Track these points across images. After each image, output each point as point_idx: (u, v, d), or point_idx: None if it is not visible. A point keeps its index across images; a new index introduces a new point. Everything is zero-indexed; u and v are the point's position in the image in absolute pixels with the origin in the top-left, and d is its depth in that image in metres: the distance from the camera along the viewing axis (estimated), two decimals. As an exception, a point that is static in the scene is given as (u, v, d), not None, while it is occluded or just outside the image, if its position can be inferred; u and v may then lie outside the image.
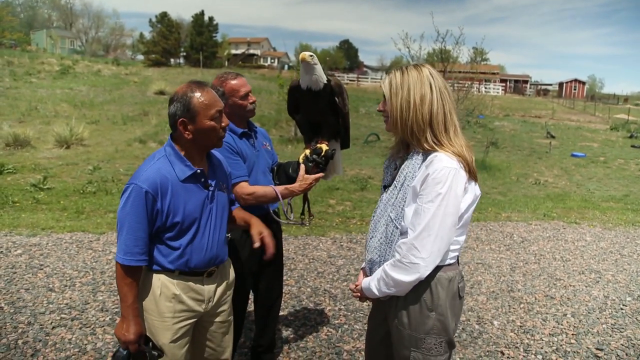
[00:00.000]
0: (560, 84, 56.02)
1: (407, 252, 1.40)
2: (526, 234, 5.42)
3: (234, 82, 2.14)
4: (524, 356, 2.81)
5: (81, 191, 6.25)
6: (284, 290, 2.89)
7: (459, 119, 1.53)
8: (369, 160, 10.17)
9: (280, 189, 2.14)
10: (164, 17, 38.41)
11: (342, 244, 4.79)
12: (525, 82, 54.88)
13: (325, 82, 2.20)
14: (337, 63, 57.35)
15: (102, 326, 2.92)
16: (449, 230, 1.40)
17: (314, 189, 2.30)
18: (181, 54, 40.43)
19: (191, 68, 32.36)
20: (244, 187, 2.09)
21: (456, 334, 2.87)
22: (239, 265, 2.15)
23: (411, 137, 1.47)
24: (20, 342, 2.70)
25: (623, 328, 3.19)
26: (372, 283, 1.51)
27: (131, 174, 1.61)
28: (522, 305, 3.51)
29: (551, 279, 4.07)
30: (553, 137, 15.62)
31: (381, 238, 1.51)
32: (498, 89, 42.41)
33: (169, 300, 1.63)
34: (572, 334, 3.08)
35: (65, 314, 3.06)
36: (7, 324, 2.88)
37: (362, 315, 3.22)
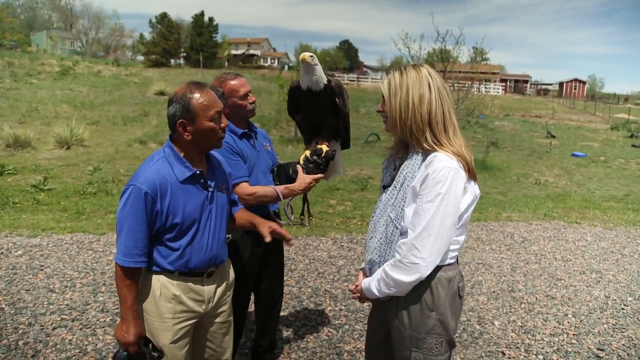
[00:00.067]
0: (561, 84, 55.99)
1: (408, 252, 1.40)
2: (527, 234, 5.42)
3: (233, 82, 2.14)
4: (524, 356, 2.81)
5: (81, 192, 6.26)
6: (284, 291, 2.88)
7: (458, 118, 1.53)
8: (370, 161, 10.16)
9: (280, 188, 2.15)
10: (163, 17, 38.41)
11: (342, 244, 4.79)
12: (526, 81, 54.87)
13: (326, 82, 2.20)
14: (337, 63, 57.35)
15: (103, 327, 2.92)
16: (449, 230, 1.40)
17: (314, 189, 2.31)
18: (181, 54, 40.43)
19: (191, 69, 32.36)
20: (245, 188, 2.09)
21: (457, 334, 2.87)
22: (240, 266, 2.15)
23: (410, 137, 1.47)
24: (20, 343, 2.70)
25: (624, 328, 3.18)
26: (372, 283, 1.51)
27: (131, 175, 1.61)
28: (523, 306, 3.50)
29: (552, 279, 4.07)
30: (553, 136, 15.61)
31: (381, 238, 1.51)
32: (498, 88, 42.42)
33: (168, 301, 1.63)
34: (573, 334, 3.08)
35: (65, 314, 3.06)
36: (8, 325, 2.88)
37: (362, 315, 3.21)
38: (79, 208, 5.57)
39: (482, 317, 3.28)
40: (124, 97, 17.26)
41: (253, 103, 2.21)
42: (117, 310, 3.12)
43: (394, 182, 1.50)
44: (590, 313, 3.41)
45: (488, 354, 2.82)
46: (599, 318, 3.33)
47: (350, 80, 39.97)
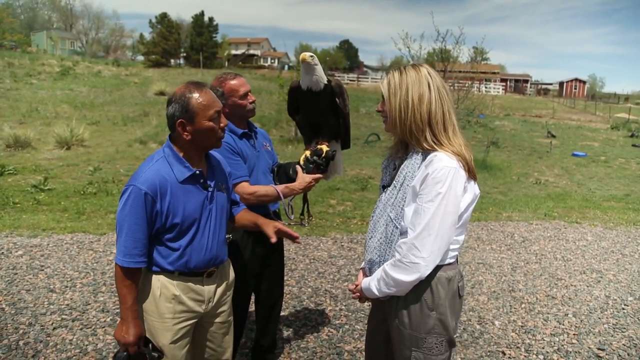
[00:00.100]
0: (561, 84, 55.97)
1: (408, 252, 1.40)
2: (527, 234, 5.41)
3: (233, 82, 2.14)
4: (525, 356, 2.81)
5: (82, 192, 6.26)
6: (284, 291, 2.88)
7: (457, 118, 1.53)
8: (370, 160, 10.16)
9: (281, 187, 2.15)
10: (163, 17, 38.42)
11: (342, 244, 4.79)
12: (526, 81, 54.85)
13: (326, 82, 2.20)
14: (337, 63, 57.35)
15: (103, 327, 2.92)
16: (449, 230, 1.40)
17: (314, 189, 2.31)
18: (181, 54, 40.43)
19: (191, 69, 32.36)
20: (246, 187, 2.09)
21: (457, 334, 2.87)
22: (241, 266, 2.15)
23: (410, 137, 1.47)
24: (21, 343, 2.70)
25: (625, 328, 3.18)
26: (372, 283, 1.51)
27: (132, 175, 1.60)
28: (523, 305, 3.50)
29: (552, 278, 4.07)
30: (554, 136, 15.61)
31: (381, 238, 1.51)
32: (498, 88, 42.39)
33: (168, 301, 1.63)
34: (574, 334, 3.08)
35: (66, 314, 3.06)
36: (8, 325, 2.88)
37: (363, 315, 3.21)
38: (79, 208, 5.58)
39: (483, 317, 3.28)
40: (124, 97, 17.26)
41: (253, 103, 2.21)
42: (117, 310, 3.12)
43: (394, 181, 1.50)
44: (590, 313, 3.41)
45: (488, 353, 2.82)
46: (599, 318, 3.33)
47: (351, 80, 39.96)
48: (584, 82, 56.46)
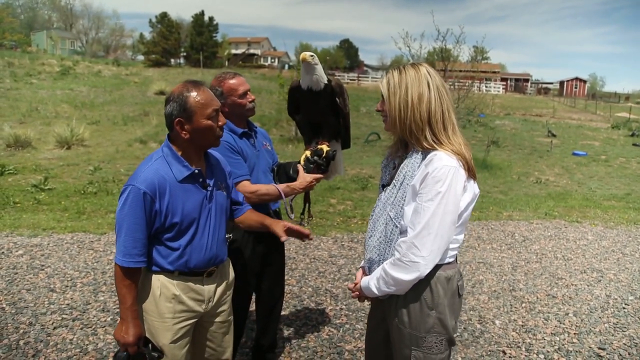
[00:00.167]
0: (561, 83, 55.92)
1: (407, 251, 1.39)
2: (527, 233, 5.41)
3: (232, 81, 2.13)
4: (525, 355, 2.80)
5: (82, 192, 6.26)
6: (285, 290, 2.88)
7: (457, 117, 1.53)
8: (370, 160, 10.16)
9: (282, 186, 2.15)
10: (164, 17, 38.39)
11: (343, 243, 4.79)
12: (526, 80, 54.79)
13: (326, 82, 2.20)
14: (337, 62, 57.34)
15: (104, 326, 2.92)
16: (449, 229, 1.40)
17: (315, 188, 2.31)
18: (181, 54, 40.42)
19: (191, 68, 32.36)
20: (246, 186, 2.09)
21: (458, 333, 2.87)
22: (241, 266, 2.15)
23: (410, 136, 1.46)
24: (21, 342, 2.70)
25: (625, 327, 3.18)
26: (371, 282, 1.51)
27: (131, 174, 1.60)
28: (523, 305, 3.50)
29: (553, 278, 4.06)
30: (554, 135, 15.60)
31: (380, 237, 1.50)
32: (499, 87, 42.35)
33: (168, 300, 1.63)
34: (574, 334, 3.08)
35: (66, 314, 3.06)
36: (9, 325, 2.88)
37: (363, 314, 3.21)
38: (79, 208, 5.58)
39: (483, 317, 3.28)
40: (124, 96, 17.26)
41: (252, 102, 2.21)
42: (117, 310, 3.11)
43: (394, 180, 1.50)
44: (591, 312, 3.40)
45: (489, 353, 2.82)
46: (600, 317, 3.32)
47: (351, 80, 39.93)
48: (585, 82, 56.41)
